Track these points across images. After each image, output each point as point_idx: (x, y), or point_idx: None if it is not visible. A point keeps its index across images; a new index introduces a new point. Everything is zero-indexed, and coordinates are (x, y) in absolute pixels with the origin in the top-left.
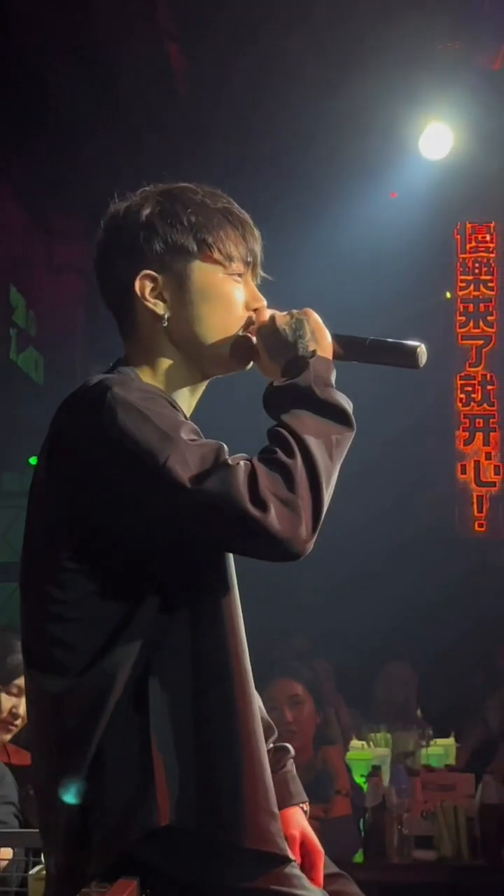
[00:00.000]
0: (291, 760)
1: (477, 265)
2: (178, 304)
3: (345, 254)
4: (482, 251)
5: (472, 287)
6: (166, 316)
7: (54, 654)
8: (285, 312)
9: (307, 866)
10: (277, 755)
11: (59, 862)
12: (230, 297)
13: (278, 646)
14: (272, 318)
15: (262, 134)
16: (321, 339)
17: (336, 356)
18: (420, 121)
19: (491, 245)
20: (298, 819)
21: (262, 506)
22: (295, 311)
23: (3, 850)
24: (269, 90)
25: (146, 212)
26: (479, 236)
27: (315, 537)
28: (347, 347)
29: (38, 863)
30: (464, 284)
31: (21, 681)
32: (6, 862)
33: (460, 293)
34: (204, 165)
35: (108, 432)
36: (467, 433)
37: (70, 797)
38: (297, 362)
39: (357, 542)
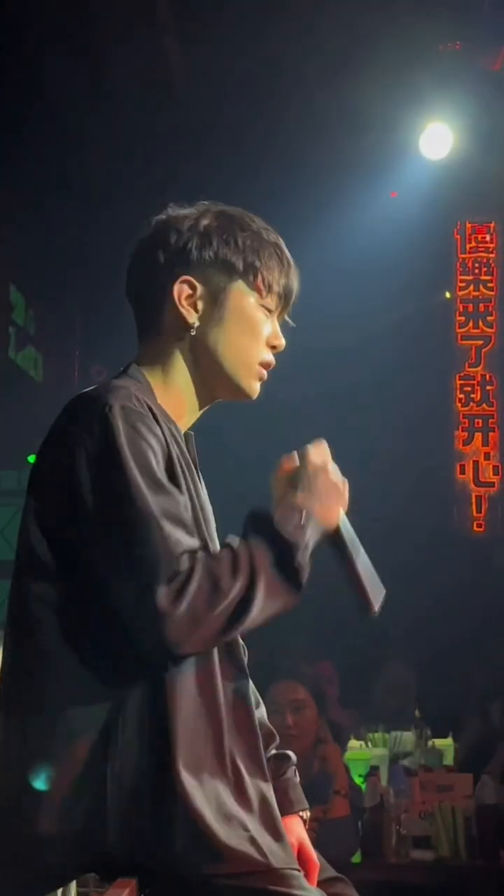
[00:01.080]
0: (293, 768)
1: (476, 265)
2: (209, 317)
3: (345, 254)
4: (482, 251)
5: (471, 287)
6: (195, 325)
7: (36, 658)
8: (326, 457)
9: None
10: (278, 763)
11: (25, 863)
12: (258, 324)
13: (277, 646)
14: (313, 459)
15: (261, 134)
16: (333, 515)
17: (326, 533)
18: (420, 121)
19: (491, 245)
20: (296, 828)
21: (176, 603)
22: (337, 471)
23: None
24: (269, 90)
25: (205, 222)
26: (479, 236)
27: (192, 650)
28: (338, 541)
29: None
30: (463, 284)
31: None
32: None
33: (460, 293)
34: (202, 164)
35: (92, 450)
36: (466, 433)
37: (32, 805)
38: (305, 514)
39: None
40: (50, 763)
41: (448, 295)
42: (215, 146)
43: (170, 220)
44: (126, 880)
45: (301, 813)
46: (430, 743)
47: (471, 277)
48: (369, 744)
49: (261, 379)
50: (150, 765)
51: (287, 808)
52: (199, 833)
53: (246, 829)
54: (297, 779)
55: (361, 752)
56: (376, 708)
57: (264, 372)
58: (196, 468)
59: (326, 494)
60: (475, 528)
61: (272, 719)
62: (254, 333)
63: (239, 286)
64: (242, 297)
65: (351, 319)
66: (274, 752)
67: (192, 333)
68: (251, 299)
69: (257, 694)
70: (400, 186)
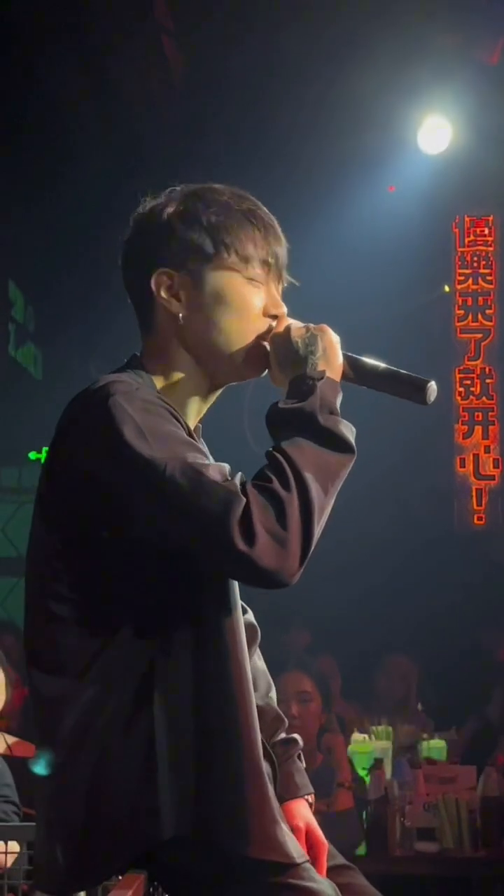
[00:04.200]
0: (300, 752)
1: (475, 259)
2: (193, 304)
3: (343, 248)
4: (480, 245)
5: (470, 281)
6: (181, 315)
7: (54, 654)
8: (301, 325)
9: (311, 859)
10: (285, 746)
11: (68, 862)
12: (245, 301)
13: (279, 640)
14: (287, 329)
15: (259, 128)
16: (332, 359)
17: (345, 377)
18: (418, 115)
19: (489, 238)
20: (303, 811)
21: (250, 539)
22: (312, 325)
23: (10, 843)
24: (267, 85)
25: (168, 210)
26: (478, 230)
27: (303, 566)
28: (358, 371)
29: None
30: (462, 278)
31: None
32: (14, 856)
33: (459, 287)
34: (200, 160)
35: (105, 442)
36: (466, 427)
37: (72, 804)
38: (305, 382)
39: (356, 535)
40: (91, 750)
41: (447, 288)
42: (213, 141)
43: (140, 216)
44: (135, 875)
45: (307, 797)
46: (433, 735)
47: (469, 271)
48: (373, 737)
49: (264, 354)
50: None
51: (294, 792)
52: (244, 816)
53: (276, 820)
54: (304, 764)
55: (365, 745)
56: (379, 701)
57: (266, 347)
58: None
59: (312, 346)
60: (475, 521)
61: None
62: (242, 311)
63: (215, 267)
64: (222, 277)
65: (349, 314)
66: (283, 735)
67: (182, 324)
68: (232, 276)
69: (269, 676)
70: (398, 180)
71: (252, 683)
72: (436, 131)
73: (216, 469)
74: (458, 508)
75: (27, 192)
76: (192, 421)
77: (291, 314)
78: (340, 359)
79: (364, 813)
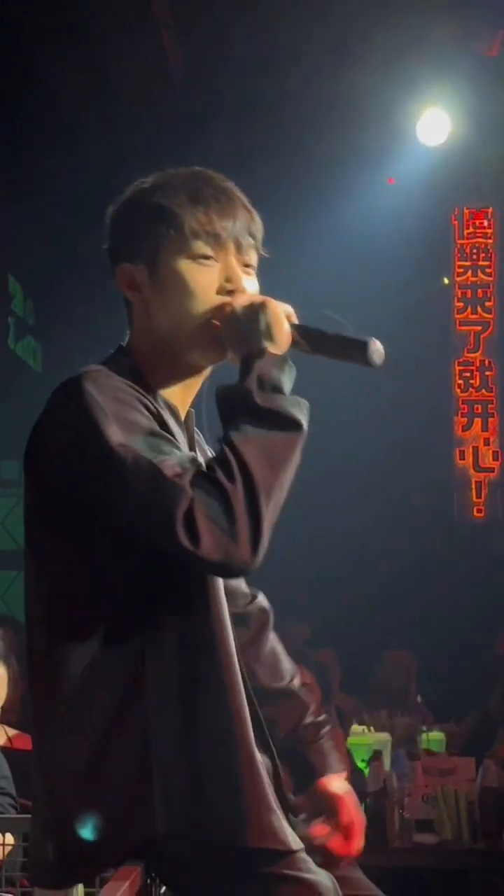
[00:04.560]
0: (329, 730)
1: (474, 251)
2: (151, 293)
3: (342, 240)
4: (479, 237)
5: (469, 273)
6: (143, 306)
7: (49, 648)
8: (247, 300)
9: (348, 827)
10: (315, 728)
11: (63, 856)
12: (194, 282)
13: (281, 632)
14: (232, 305)
15: (258, 121)
16: (276, 332)
17: (297, 347)
18: (417, 107)
19: (488, 231)
20: (342, 784)
21: (194, 536)
22: (256, 299)
23: (6, 835)
24: (266, 78)
25: (117, 206)
26: (477, 222)
27: (260, 554)
28: (307, 339)
29: None
30: (461, 270)
31: None
32: (10, 848)
33: (458, 279)
34: (200, 154)
35: (70, 430)
36: (466, 419)
37: (70, 797)
38: (245, 361)
39: (356, 528)
40: (86, 743)
41: (446, 281)
42: (213, 135)
43: (106, 216)
44: (130, 868)
45: (342, 773)
46: (432, 728)
47: (469, 263)
48: (371, 729)
49: (220, 334)
50: (197, 740)
51: (331, 768)
52: (238, 805)
53: (272, 808)
54: (333, 743)
55: (364, 738)
56: (378, 694)
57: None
58: (196, 448)
59: (254, 322)
60: (475, 513)
61: None
62: (195, 293)
63: (164, 252)
64: (172, 261)
65: (349, 306)
66: (311, 719)
67: (147, 314)
68: (180, 260)
69: (290, 661)
70: (397, 172)
71: (240, 672)
72: (435, 123)
73: (172, 462)
74: (457, 501)
75: (26, 186)
76: (181, 406)
77: (293, 305)
78: (286, 330)
79: (363, 805)
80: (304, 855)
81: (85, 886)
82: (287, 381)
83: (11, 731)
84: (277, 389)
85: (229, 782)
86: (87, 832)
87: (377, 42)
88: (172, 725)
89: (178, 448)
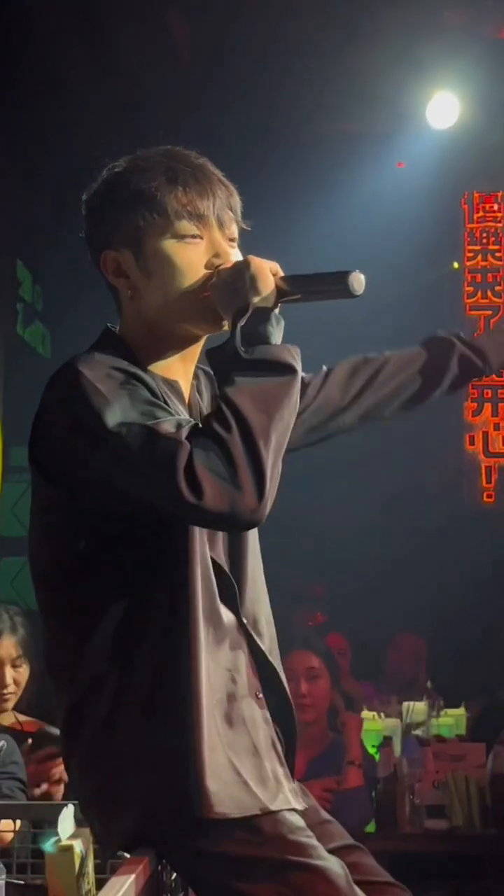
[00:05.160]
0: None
1: (484, 235)
2: (139, 277)
3: (351, 224)
4: (489, 221)
5: (479, 257)
6: (132, 291)
7: (54, 629)
8: (230, 263)
9: None
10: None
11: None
12: (183, 260)
13: (290, 617)
14: (218, 272)
15: (267, 104)
16: (261, 285)
17: (286, 297)
18: (427, 90)
19: (498, 214)
20: None
21: (196, 489)
22: (239, 260)
23: (4, 821)
24: (274, 59)
25: (93, 194)
26: (487, 206)
27: (266, 501)
28: (293, 285)
29: (53, 834)
30: (471, 254)
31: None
32: (11, 834)
33: (468, 263)
34: (208, 136)
35: (68, 414)
36: (476, 404)
37: (75, 778)
38: (235, 318)
39: (365, 514)
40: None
41: (456, 265)
42: (219, 116)
43: (82, 205)
44: (140, 857)
45: None
46: (442, 713)
47: (479, 247)
48: (382, 714)
49: (213, 307)
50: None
51: None
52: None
53: (239, 774)
54: None
55: (374, 723)
56: (388, 678)
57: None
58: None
59: (240, 280)
60: (485, 498)
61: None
62: (181, 273)
63: (146, 233)
64: (158, 243)
65: None
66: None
67: (136, 298)
68: (165, 241)
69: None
70: (407, 156)
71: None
72: (444, 107)
73: (169, 424)
74: (467, 486)
75: (33, 170)
76: (184, 378)
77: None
78: (270, 282)
79: (374, 791)
80: (314, 841)
81: (97, 872)
82: (274, 331)
83: (24, 718)
84: (263, 341)
85: (190, 758)
86: (93, 810)
87: (386, 25)
88: (144, 711)
89: (173, 414)
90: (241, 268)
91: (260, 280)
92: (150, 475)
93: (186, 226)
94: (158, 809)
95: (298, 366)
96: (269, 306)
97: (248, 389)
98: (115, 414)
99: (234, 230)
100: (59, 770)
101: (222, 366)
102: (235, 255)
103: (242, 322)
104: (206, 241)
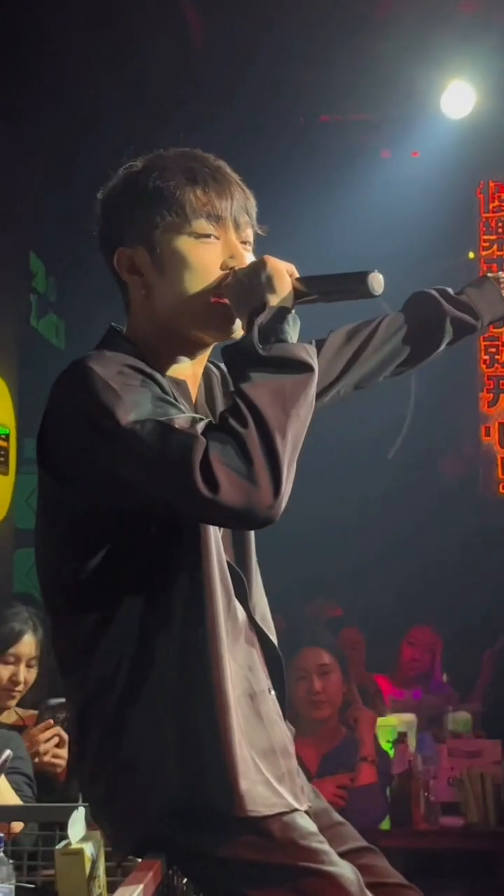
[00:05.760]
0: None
1: (500, 224)
2: (152, 275)
3: (366, 214)
4: None
5: (495, 247)
6: (145, 289)
7: (63, 631)
8: (247, 263)
9: None
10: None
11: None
12: (197, 260)
13: (305, 612)
14: (233, 272)
15: (281, 93)
16: (278, 284)
17: (302, 297)
18: (442, 79)
19: None
20: None
21: (212, 484)
22: (256, 260)
23: (14, 823)
24: (288, 48)
25: (109, 192)
26: (502, 195)
27: (282, 497)
28: (310, 286)
29: (63, 837)
30: (487, 244)
31: (15, 649)
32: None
33: (483, 253)
34: (221, 125)
35: (79, 411)
36: (491, 395)
37: (88, 778)
38: (251, 317)
39: (380, 506)
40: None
41: (471, 255)
42: (234, 106)
43: (98, 202)
44: (152, 860)
45: None
46: (458, 707)
47: (494, 237)
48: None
49: (226, 309)
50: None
51: None
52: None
53: (262, 773)
54: None
55: (389, 719)
56: (404, 673)
57: (226, 301)
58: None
59: (256, 279)
60: (501, 489)
61: (300, 685)
62: (196, 272)
63: (163, 231)
64: (171, 242)
65: None
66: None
67: (149, 296)
68: (179, 237)
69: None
70: (422, 146)
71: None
72: (459, 96)
73: (183, 420)
74: (483, 477)
75: (47, 163)
76: (192, 381)
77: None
78: (287, 281)
79: (388, 787)
80: (326, 846)
81: (109, 875)
82: (290, 329)
83: (25, 713)
84: (280, 339)
85: (213, 756)
86: (106, 812)
87: (401, 14)
88: (167, 702)
89: (185, 411)
90: (258, 267)
91: (277, 280)
92: (166, 470)
93: (203, 225)
94: (172, 813)
95: (315, 364)
96: (287, 306)
97: (264, 385)
98: (128, 411)
99: (249, 234)
100: (53, 734)
101: (237, 362)
102: (250, 259)
103: (261, 320)
104: (221, 241)
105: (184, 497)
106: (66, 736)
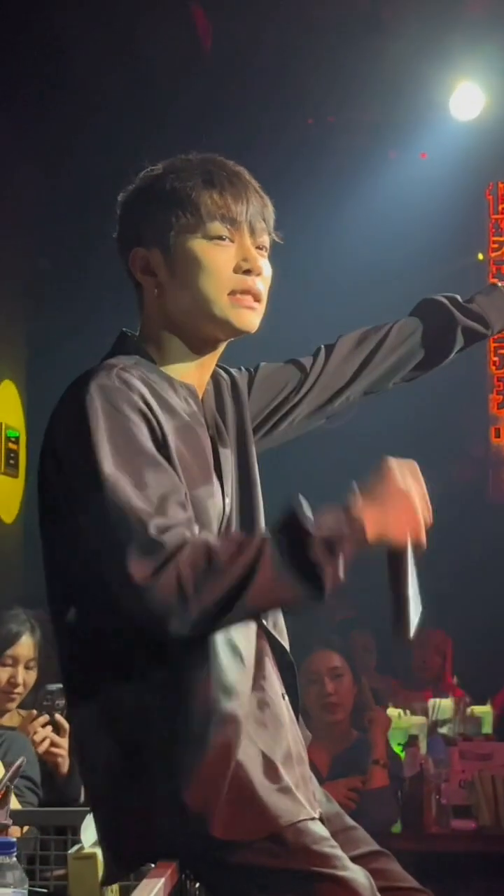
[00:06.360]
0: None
1: None
2: (166, 276)
3: (374, 215)
4: None
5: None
6: (158, 289)
7: (64, 640)
8: (400, 476)
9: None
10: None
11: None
12: (210, 261)
13: (311, 617)
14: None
15: (289, 94)
16: (384, 540)
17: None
18: (450, 81)
19: None
20: None
21: (159, 574)
22: (410, 497)
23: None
24: (297, 49)
25: (129, 194)
26: None
27: (189, 634)
28: (389, 567)
29: (76, 841)
30: (496, 245)
31: (13, 650)
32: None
33: (492, 254)
34: (231, 129)
35: (70, 436)
36: (501, 396)
37: (97, 795)
38: (341, 534)
39: None
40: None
41: (481, 256)
42: (243, 109)
43: (118, 204)
44: (166, 863)
45: None
46: (468, 711)
47: (503, 238)
48: (408, 712)
49: (246, 307)
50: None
51: None
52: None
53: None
54: None
55: (400, 721)
56: (414, 675)
57: (247, 299)
58: (216, 421)
59: (392, 509)
60: None
61: (311, 689)
62: (209, 272)
63: (178, 233)
64: (188, 242)
65: (382, 283)
66: None
67: (162, 297)
68: (194, 238)
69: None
70: (431, 147)
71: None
72: (468, 97)
73: (159, 519)
74: (492, 479)
75: (55, 166)
76: (198, 385)
77: (326, 281)
78: (400, 541)
79: (399, 790)
80: (338, 851)
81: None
82: (338, 563)
83: (26, 713)
84: (331, 563)
85: (226, 775)
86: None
87: (410, 15)
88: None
89: (173, 475)
90: (398, 496)
91: (389, 538)
92: (114, 543)
93: (218, 227)
94: (184, 826)
95: (320, 603)
96: (361, 547)
97: (269, 575)
98: (112, 468)
99: (265, 239)
100: (46, 721)
101: (282, 533)
102: (264, 264)
103: (347, 547)
104: (236, 245)
105: (120, 565)
106: (65, 724)
